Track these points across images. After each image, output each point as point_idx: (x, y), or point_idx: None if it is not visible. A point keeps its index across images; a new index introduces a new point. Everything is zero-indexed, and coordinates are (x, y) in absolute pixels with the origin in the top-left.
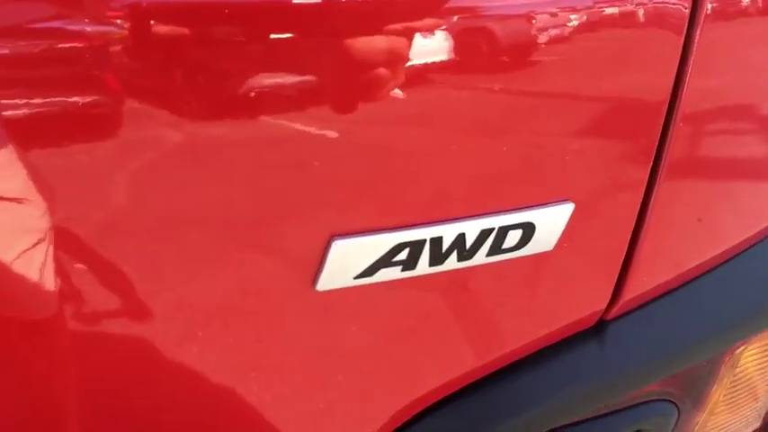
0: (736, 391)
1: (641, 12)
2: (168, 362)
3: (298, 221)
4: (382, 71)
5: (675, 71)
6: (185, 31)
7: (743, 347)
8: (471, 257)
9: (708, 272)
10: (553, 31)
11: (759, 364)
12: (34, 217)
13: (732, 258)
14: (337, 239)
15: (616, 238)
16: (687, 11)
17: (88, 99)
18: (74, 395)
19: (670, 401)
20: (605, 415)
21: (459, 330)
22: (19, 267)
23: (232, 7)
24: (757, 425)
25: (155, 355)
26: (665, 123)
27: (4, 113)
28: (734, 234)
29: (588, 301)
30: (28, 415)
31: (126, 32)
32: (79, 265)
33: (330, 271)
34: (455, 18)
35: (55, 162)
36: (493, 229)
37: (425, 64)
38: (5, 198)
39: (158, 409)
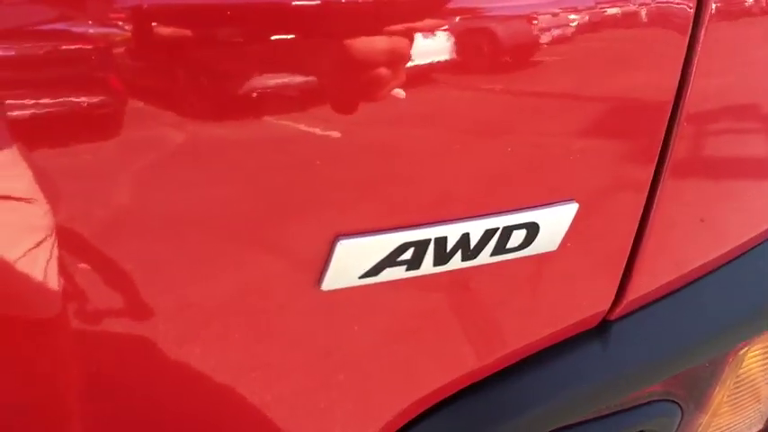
0: (739, 391)
1: (646, 12)
2: (172, 361)
3: (303, 221)
4: (387, 72)
5: (680, 71)
6: (188, 32)
7: (746, 348)
8: (475, 257)
9: (711, 272)
10: (559, 32)
11: (762, 364)
12: (39, 216)
13: (735, 259)
14: (342, 239)
15: (620, 238)
16: (692, 11)
17: (92, 100)
18: (77, 394)
19: (673, 402)
20: (608, 415)
21: (462, 330)
22: (23, 266)
23: (234, 9)
24: (760, 426)
25: (158, 355)
26: (669, 123)
27: (9, 114)
28: (737, 234)
29: (591, 302)
30: (31, 414)
31: (129, 34)
32: (84, 265)
33: (335, 270)
34: (461, 19)
35: (59, 162)
36: (497, 228)
37: (431, 64)
38: (10, 197)
39: (161, 409)
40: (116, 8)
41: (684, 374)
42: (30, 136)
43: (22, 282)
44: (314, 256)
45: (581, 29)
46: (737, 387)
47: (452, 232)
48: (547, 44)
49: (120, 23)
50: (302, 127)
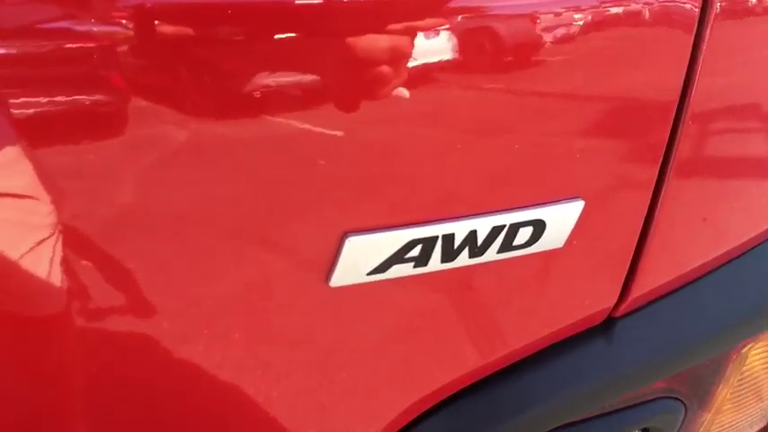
0: (742, 389)
1: (652, 11)
2: (177, 359)
3: (312, 218)
4: (395, 70)
5: (685, 70)
6: (191, 31)
7: (749, 346)
8: (482, 254)
9: (714, 270)
10: (566, 31)
11: (765, 362)
12: (42, 214)
13: (738, 257)
14: (351, 236)
15: (625, 236)
16: (697, 10)
17: (96, 98)
18: (81, 392)
19: (677, 399)
20: (612, 412)
21: (467, 328)
22: (27, 264)
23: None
24: (762, 424)
25: (163, 353)
26: (674, 122)
27: (13, 112)
28: (740, 233)
29: (597, 299)
30: (35, 412)
31: (132, 32)
32: (91, 263)
33: (344, 267)
34: (471, 18)
35: (63, 160)
36: (504, 226)
37: (436, 64)
38: (14, 195)
39: (166, 407)
40: (119, 7)
41: (688, 372)
42: (33, 134)
43: (25, 280)
44: (323, 252)
45: (588, 28)
46: (740, 385)
47: (460, 229)
48: (554, 44)
49: (124, 22)
50: (309, 125)
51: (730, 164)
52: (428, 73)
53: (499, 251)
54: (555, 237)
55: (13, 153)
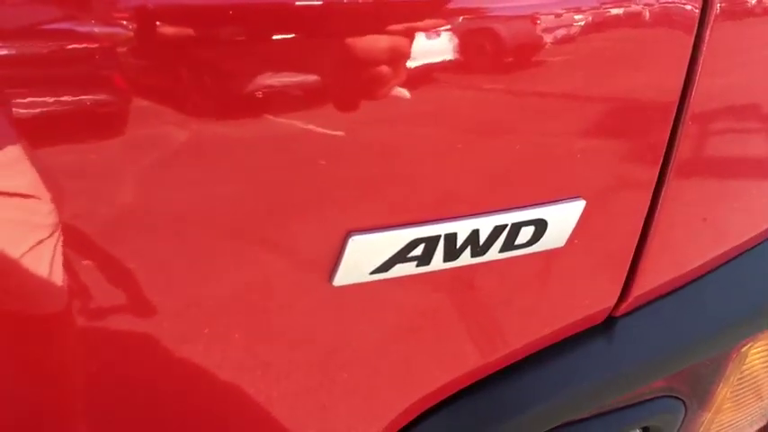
0: (742, 388)
1: (652, 12)
2: (178, 359)
3: (315, 218)
4: (398, 71)
5: (685, 71)
6: (192, 32)
7: (749, 345)
8: (484, 253)
9: (714, 270)
10: (566, 32)
11: (765, 361)
12: (43, 214)
13: (738, 257)
14: (354, 235)
15: (625, 236)
16: (697, 11)
17: (96, 98)
18: (81, 392)
19: (677, 398)
20: (613, 411)
21: (469, 327)
22: (28, 264)
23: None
24: (762, 423)
25: (164, 352)
26: (674, 123)
27: (15, 111)
28: (739, 233)
29: (598, 298)
30: (35, 412)
31: (133, 33)
32: (93, 263)
33: (347, 266)
34: (473, 19)
35: (64, 160)
36: (506, 225)
37: (442, 64)
38: (16, 194)
39: (167, 406)
40: (120, 8)
41: (688, 371)
42: (35, 134)
43: (26, 279)
44: (326, 252)
45: (589, 29)
46: (740, 384)
47: (462, 228)
48: (555, 44)
49: (125, 23)
50: (312, 126)
51: (730, 164)
52: (430, 73)
53: (501, 250)
54: (556, 236)
55: (14, 153)
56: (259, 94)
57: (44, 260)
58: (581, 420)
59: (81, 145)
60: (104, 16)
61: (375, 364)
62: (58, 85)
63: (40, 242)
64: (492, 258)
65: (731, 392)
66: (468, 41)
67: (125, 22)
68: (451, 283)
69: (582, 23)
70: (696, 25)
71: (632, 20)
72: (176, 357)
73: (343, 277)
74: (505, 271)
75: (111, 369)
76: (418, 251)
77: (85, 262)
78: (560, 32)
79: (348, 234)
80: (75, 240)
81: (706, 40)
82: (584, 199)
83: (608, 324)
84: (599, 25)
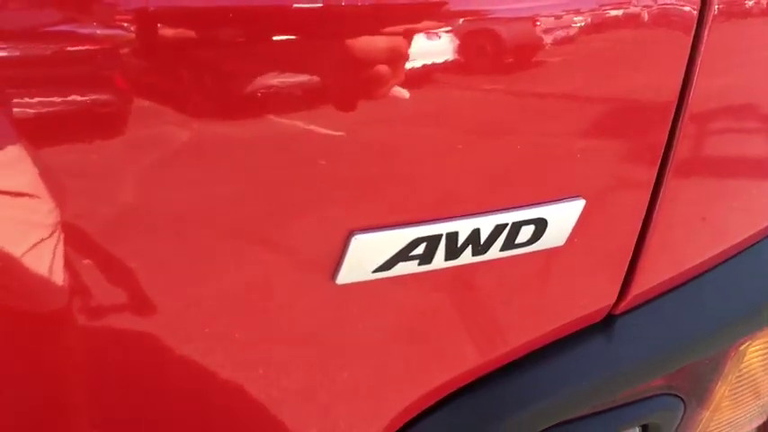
0: (740, 387)
1: (651, 13)
2: (179, 358)
3: (319, 217)
4: (400, 72)
5: (684, 72)
6: (192, 33)
7: (748, 343)
8: (485, 252)
9: (713, 268)
10: (566, 33)
11: (763, 360)
12: (44, 213)
13: (736, 255)
14: (357, 234)
15: (625, 235)
16: (695, 12)
17: (98, 99)
18: (81, 391)
19: (676, 396)
20: (612, 409)
21: (469, 326)
22: (28, 263)
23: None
24: (760, 421)
25: (165, 351)
26: (672, 123)
27: (17, 112)
28: (738, 232)
29: (597, 296)
30: (35, 411)
31: (135, 35)
32: (97, 262)
33: (350, 264)
34: (474, 21)
35: (65, 160)
36: (507, 224)
37: (444, 65)
38: (17, 194)
39: (168, 405)
40: (121, 10)
41: (687, 369)
42: (37, 134)
43: (26, 278)
44: (329, 250)
45: (589, 30)
46: (739, 382)
47: (464, 227)
48: (555, 46)
49: (126, 25)
50: (314, 126)
51: (728, 164)
52: (431, 74)
53: (502, 249)
54: (556, 235)
55: (16, 152)
56: (260, 95)
57: (45, 259)
58: (580, 418)
59: (82, 145)
60: (106, 18)
61: (377, 363)
62: (59, 86)
63: (41, 241)
64: (493, 257)
65: (729, 390)
66: (470, 42)
67: (126, 24)
68: (452, 282)
69: (581, 24)
70: (694, 26)
71: (631, 21)
72: (177, 356)
73: (346, 275)
74: (506, 269)
75: (111, 368)
76: (420, 250)
77: (86, 261)
78: (560, 33)
79: (351, 233)
80: (75, 240)
81: (704, 41)
82: (583, 198)
83: (607, 322)
84: (598, 26)
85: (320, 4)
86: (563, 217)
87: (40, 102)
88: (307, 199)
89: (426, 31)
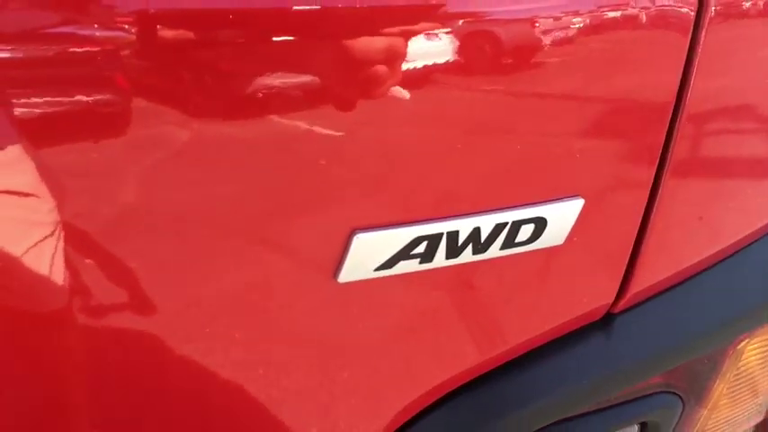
0: (738, 385)
1: (648, 14)
2: (180, 358)
3: (321, 216)
4: (401, 73)
5: (681, 72)
6: (193, 34)
7: (746, 341)
8: (486, 251)
9: (711, 267)
10: (565, 34)
11: (761, 358)
12: (45, 212)
13: (735, 254)
14: (359, 233)
15: (623, 233)
16: (693, 13)
17: (99, 99)
18: (81, 390)
19: (675, 394)
20: (611, 407)
21: (469, 324)
22: (29, 262)
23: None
24: (759, 419)
25: (166, 351)
26: (670, 123)
27: (18, 112)
28: (735, 231)
29: (596, 295)
30: (36, 411)
31: (135, 36)
32: (95, 262)
33: (352, 263)
34: (474, 22)
35: (66, 159)
36: (507, 223)
37: (444, 66)
38: (18, 193)
39: (168, 405)
40: (122, 12)
41: (685, 367)
42: (38, 134)
43: (26, 278)
44: (331, 249)
45: (586, 31)
46: (737, 380)
47: (464, 226)
48: (554, 47)
49: (127, 26)
50: (316, 126)
51: (725, 164)
52: (431, 75)
53: (502, 248)
54: (556, 234)
55: (16, 152)
56: (261, 96)
57: (45, 259)
58: (579, 416)
59: (83, 144)
60: (107, 19)
61: (377, 362)
62: (60, 86)
63: (42, 241)
64: (493, 256)
65: (728, 389)
66: (470, 44)
67: (127, 25)
68: (453, 281)
69: (579, 26)
70: (692, 27)
71: (629, 22)
72: (177, 356)
73: (348, 274)
74: (506, 268)
75: (111, 368)
76: (421, 248)
77: (86, 261)
78: (558, 35)
79: (353, 232)
80: (76, 240)
81: (701, 42)
82: (582, 198)
83: (606, 321)
84: (596, 28)
85: (318, 6)
86: (562, 216)
87: (40, 102)
88: (308, 198)
89: (426, 31)
